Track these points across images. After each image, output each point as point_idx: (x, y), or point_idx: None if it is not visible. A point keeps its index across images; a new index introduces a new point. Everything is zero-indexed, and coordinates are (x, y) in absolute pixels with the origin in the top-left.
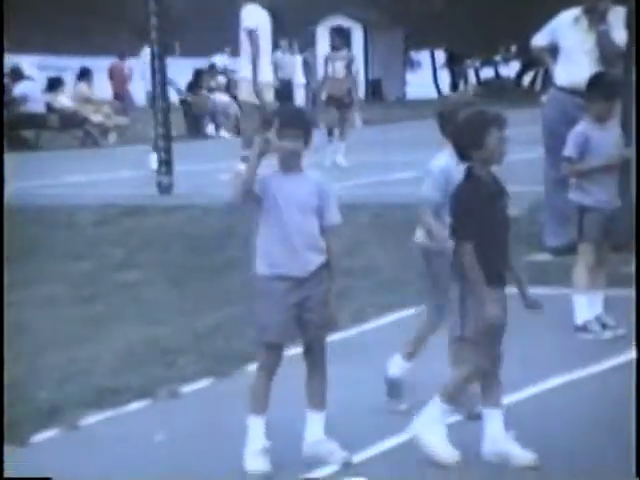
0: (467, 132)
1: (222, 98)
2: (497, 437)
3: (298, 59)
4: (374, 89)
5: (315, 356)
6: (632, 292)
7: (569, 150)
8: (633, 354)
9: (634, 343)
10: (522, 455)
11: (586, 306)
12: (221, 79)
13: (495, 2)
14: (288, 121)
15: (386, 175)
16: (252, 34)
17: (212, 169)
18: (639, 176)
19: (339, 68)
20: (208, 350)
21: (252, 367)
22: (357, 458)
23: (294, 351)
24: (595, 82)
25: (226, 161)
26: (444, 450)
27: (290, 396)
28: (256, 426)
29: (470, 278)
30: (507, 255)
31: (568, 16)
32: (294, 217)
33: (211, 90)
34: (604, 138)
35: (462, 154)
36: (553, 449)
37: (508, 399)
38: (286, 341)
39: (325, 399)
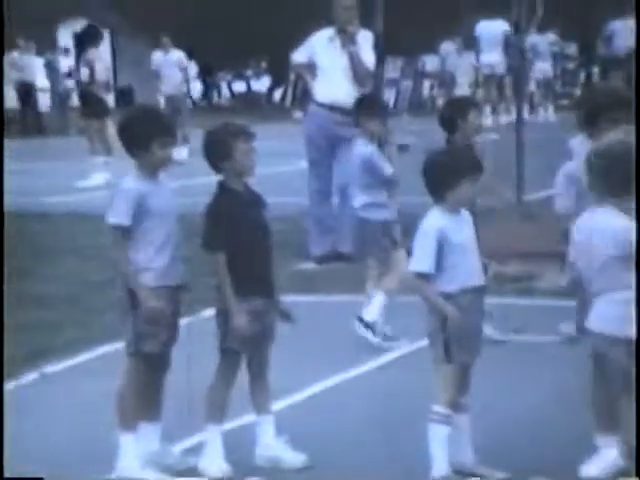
0: (214, 144)
1: None
2: (269, 442)
3: (39, 61)
4: (124, 96)
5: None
6: None
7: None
8: (396, 354)
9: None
10: (293, 458)
11: (380, 308)
12: None
13: (244, 15)
14: (166, 129)
15: None
16: None
17: None
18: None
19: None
20: None
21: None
22: None
23: None
24: (364, 102)
25: None
26: (213, 464)
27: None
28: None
29: (220, 288)
30: (267, 265)
31: (324, 35)
32: (170, 226)
33: None
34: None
35: (213, 166)
36: (323, 450)
37: (279, 405)
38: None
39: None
